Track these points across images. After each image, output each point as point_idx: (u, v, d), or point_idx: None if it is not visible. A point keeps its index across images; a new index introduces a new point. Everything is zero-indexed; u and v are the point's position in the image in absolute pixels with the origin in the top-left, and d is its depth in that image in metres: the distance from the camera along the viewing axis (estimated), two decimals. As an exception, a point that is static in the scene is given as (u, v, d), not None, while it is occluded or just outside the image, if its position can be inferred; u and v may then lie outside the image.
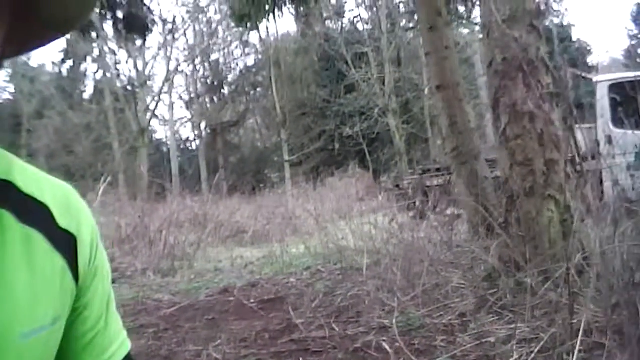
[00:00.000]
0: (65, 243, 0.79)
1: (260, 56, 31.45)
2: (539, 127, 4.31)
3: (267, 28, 28.18)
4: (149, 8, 8.84)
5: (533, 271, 3.84)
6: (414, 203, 10.34)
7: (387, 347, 3.78)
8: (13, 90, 31.79)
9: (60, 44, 27.62)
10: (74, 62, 30.73)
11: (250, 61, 33.18)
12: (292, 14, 26.91)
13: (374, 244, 7.07)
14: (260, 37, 29.52)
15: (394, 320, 4.12)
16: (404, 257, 5.79)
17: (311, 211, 11.89)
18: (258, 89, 33.07)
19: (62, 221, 0.80)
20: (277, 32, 29.59)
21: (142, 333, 5.15)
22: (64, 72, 31.05)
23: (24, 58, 29.72)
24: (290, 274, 7.36)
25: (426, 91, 22.99)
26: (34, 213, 0.77)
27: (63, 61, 31.00)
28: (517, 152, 4.40)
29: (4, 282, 0.70)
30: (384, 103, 24.89)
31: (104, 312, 0.86)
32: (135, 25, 8.26)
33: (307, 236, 10.09)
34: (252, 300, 6.02)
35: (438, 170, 11.98)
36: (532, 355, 3.13)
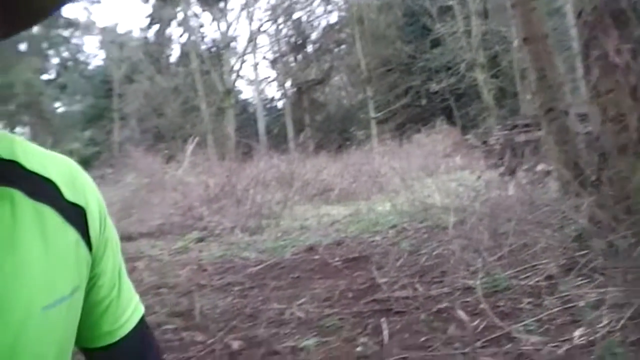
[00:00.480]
0: (76, 216, 0.81)
1: (343, 13, 31.09)
2: (632, 81, 4.08)
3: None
4: (231, -31, 8.82)
5: (626, 233, 3.68)
6: (502, 160, 10.07)
7: (470, 309, 3.74)
8: (104, 57, 32.94)
9: (146, 9, 28.22)
10: (159, 26, 31.38)
11: (333, 18, 32.86)
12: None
13: (460, 202, 6.97)
14: (342, -7, 29.16)
15: (479, 281, 4.06)
16: (490, 216, 5.68)
17: (397, 169, 11.82)
18: (342, 47, 32.77)
19: (70, 195, 0.81)
20: (360, -13, 29.02)
21: (228, 291, 5.31)
22: (151, 37, 31.82)
23: (111, 25, 30.58)
24: (375, 232, 7.36)
25: (515, 43, 22.16)
26: (42, 189, 0.78)
27: (149, 26, 31.76)
28: (609, 107, 4.19)
29: (21, 258, 0.72)
30: (470, 57, 24.24)
31: (117, 280, 0.89)
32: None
33: (393, 194, 10.04)
34: (336, 259, 6.07)
35: (527, 125, 11.56)
36: (623, 321, 3.02)
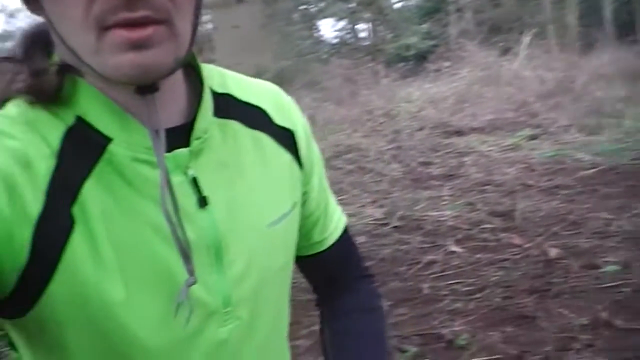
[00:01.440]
0: (286, 138, 0.88)
1: None
2: None
3: None
4: None
5: None
6: None
7: None
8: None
9: None
10: None
11: None
12: None
13: None
14: None
15: None
16: None
17: None
18: None
19: (279, 119, 0.88)
20: None
21: (554, 194, 5.14)
22: None
23: None
24: None
25: None
26: (256, 117, 0.85)
27: None
28: None
29: (248, 182, 0.80)
30: None
31: (324, 193, 0.97)
32: None
33: None
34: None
35: None
36: None
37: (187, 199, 0.73)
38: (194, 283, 0.70)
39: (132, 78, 0.63)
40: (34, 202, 0.64)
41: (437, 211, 5.00)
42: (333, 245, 0.98)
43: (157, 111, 0.68)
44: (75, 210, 0.66)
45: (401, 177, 6.37)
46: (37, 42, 0.73)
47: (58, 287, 0.65)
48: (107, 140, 0.69)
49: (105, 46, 0.61)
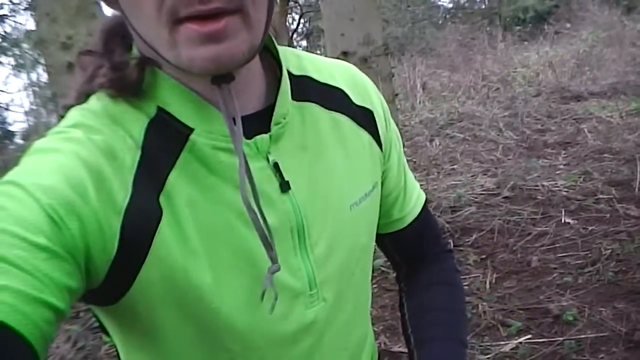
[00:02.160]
0: (365, 118, 0.88)
1: None
2: None
3: None
4: None
5: None
6: None
7: None
8: None
9: None
10: None
11: None
12: None
13: None
14: None
15: None
16: None
17: None
18: None
19: (357, 99, 0.88)
20: None
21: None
22: None
23: None
24: None
25: None
26: (334, 99, 0.85)
27: None
28: None
29: (328, 164, 0.81)
30: None
31: (402, 171, 0.97)
32: None
33: None
34: None
35: None
36: None
37: (269, 184, 0.74)
38: (277, 270, 0.71)
39: (207, 70, 0.63)
40: (121, 193, 0.65)
41: (550, 181, 4.87)
42: (413, 222, 0.99)
43: (233, 99, 0.69)
44: (162, 199, 0.68)
45: (515, 145, 6.22)
46: (116, 35, 0.74)
47: (149, 274, 0.67)
48: (189, 130, 0.71)
49: (180, 39, 0.61)
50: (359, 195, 0.84)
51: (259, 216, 0.70)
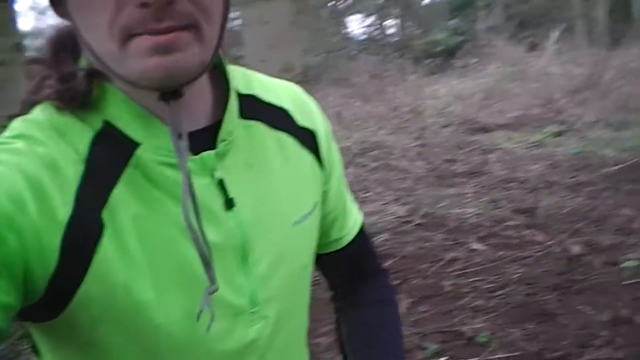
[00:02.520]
0: (308, 139, 0.89)
1: None
2: None
3: None
4: None
5: None
6: None
7: None
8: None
9: None
10: None
11: None
12: None
13: None
14: None
15: None
16: None
17: None
18: None
19: (301, 120, 0.89)
20: None
21: (578, 190, 5.13)
22: None
23: None
24: None
25: None
26: (279, 118, 0.86)
27: None
28: None
29: (273, 182, 0.82)
30: None
31: (342, 192, 0.99)
32: None
33: None
34: None
35: None
36: None
37: (213, 200, 0.74)
38: (215, 291, 0.70)
39: (158, 82, 0.63)
40: (63, 208, 0.64)
41: (460, 208, 5.02)
42: (351, 243, 1.01)
43: (180, 115, 0.68)
44: (105, 214, 0.67)
45: (425, 174, 6.38)
46: (65, 45, 0.74)
47: (89, 290, 0.66)
48: (135, 144, 0.70)
49: (131, 52, 0.61)
50: (301, 214, 0.85)
51: (199, 234, 0.69)
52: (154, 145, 0.71)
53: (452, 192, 5.55)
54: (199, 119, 0.76)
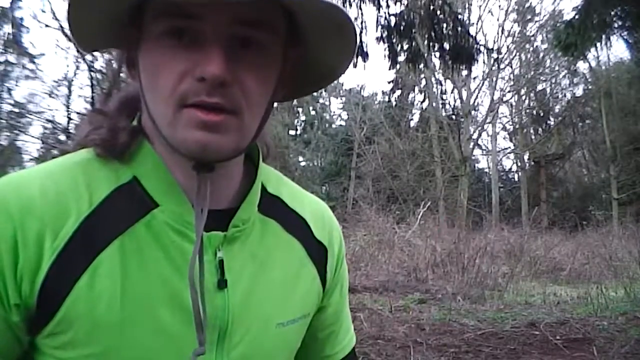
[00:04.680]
0: (318, 253, 0.93)
1: (589, 86, 29.58)
2: None
3: (598, 57, 26.43)
4: (475, 39, 8.99)
5: None
6: None
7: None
8: (346, 117, 34.87)
9: (390, 75, 29.49)
10: (402, 92, 32.40)
11: (579, 91, 31.18)
12: (625, 41, 24.87)
13: None
14: (590, 66, 27.78)
15: None
16: None
17: (636, 255, 10.99)
18: (587, 121, 31.19)
19: (318, 234, 0.93)
20: (608, 61, 27.33)
21: (443, 351, 5.39)
22: (393, 101, 32.89)
23: (357, 88, 32.17)
24: (603, 317, 6.96)
25: None
26: (296, 225, 0.91)
27: (392, 91, 32.94)
28: None
29: (270, 279, 0.85)
30: None
31: (341, 312, 1.03)
32: (462, 56, 8.51)
33: (628, 280, 9.37)
34: (557, 337, 5.86)
35: None
36: None
37: (208, 276, 0.77)
38: (202, 353, 0.73)
39: (194, 153, 0.71)
40: (46, 256, 0.70)
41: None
42: None
43: (207, 191, 0.74)
44: (96, 261, 0.71)
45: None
46: (128, 105, 0.82)
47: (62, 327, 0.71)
48: (155, 204, 0.76)
49: (181, 120, 0.69)
50: (287, 319, 0.86)
51: (198, 296, 0.73)
52: (171, 211, 0.76)
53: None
54: (221, 201, 0.81)
